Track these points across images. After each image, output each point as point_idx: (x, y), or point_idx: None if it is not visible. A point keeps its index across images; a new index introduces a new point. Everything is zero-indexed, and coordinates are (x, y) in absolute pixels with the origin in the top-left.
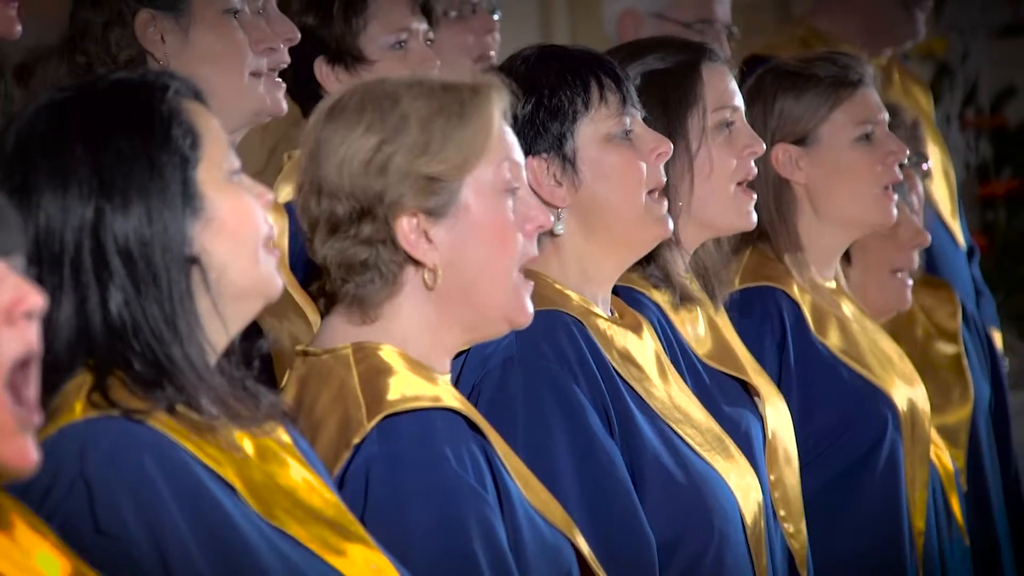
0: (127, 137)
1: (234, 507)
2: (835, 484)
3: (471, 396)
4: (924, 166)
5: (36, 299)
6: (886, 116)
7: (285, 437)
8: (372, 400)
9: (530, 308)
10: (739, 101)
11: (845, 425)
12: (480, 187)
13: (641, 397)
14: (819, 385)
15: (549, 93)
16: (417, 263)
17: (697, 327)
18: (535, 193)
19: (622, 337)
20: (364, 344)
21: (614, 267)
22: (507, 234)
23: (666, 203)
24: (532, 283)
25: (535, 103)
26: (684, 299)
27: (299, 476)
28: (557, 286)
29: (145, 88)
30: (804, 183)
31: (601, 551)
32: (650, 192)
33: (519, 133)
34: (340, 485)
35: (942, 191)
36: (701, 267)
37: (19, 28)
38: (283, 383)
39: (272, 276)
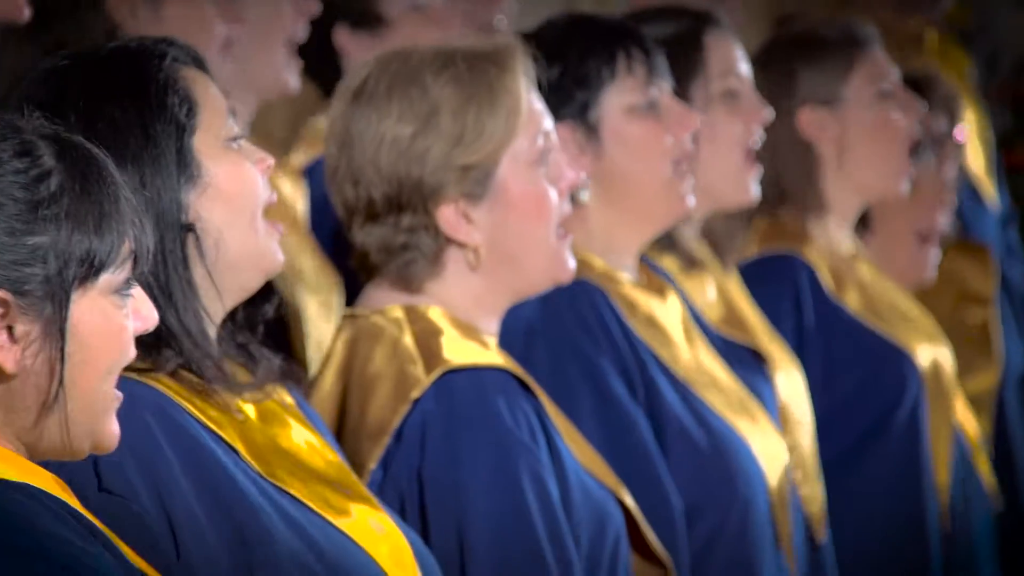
0: (122, 106)
1: (236, 467)
2: (859, 443)
3: None
4: (957, 136)
5: (155, 322)
6: (896, 73)
7: (288, 399)
8: (429, 357)
9: (571, 263)
10: (744, 68)
11: (868, 384)
12: (515, 163)
13: (665, 363)
14: (840, 346)
15: (576, 60)
16: (459, 243)
17: (707, 293)
18: None
19: (646, 302)
20: (415, 306)
21: (636, 238)
22: (544, 203)
23: (690, 180)
24: (571, 236)
25: (561, 69)
26: (691, 264)
27: (301, 438)
28: (581, 253)
29: (142, 56)
30: (832, 143)
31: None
32: (677, 164)
33: (545, 99)
34: (397, 439)
35: (977, 154)
36: (709, 232)
37: (27, 12)
38: (329, 345)
39: (271, 249)
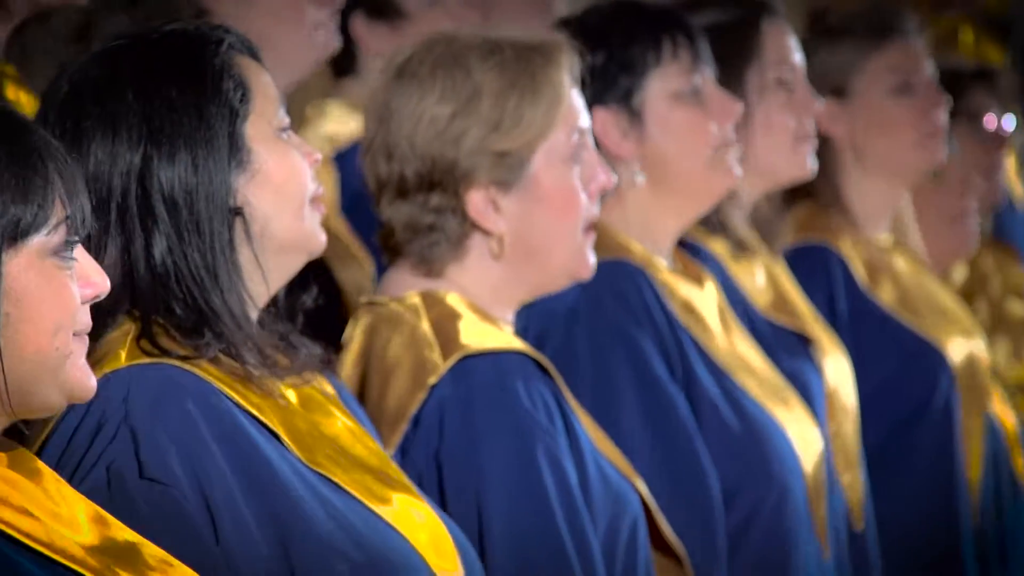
0: (178, 87)
1: (276, 453)
2: (890, 437)
3: (535, 347)
4: (1006, 126)
5: (107, 287)
6: (929, 69)
7: (328, 388)
8: (446, 342)
9: (592, 262)
10: (798, 58)
11: (899, 378)
12: (550, 156)
13: (702, 346)
14: (871, 339)
15: (621, 45)
16: (484, 230)
17: (756, 277)
18: (600, 143)
19: (684, 289)
20: (432, 292)
21: (677, 223)
22: (573, 200)
23: (733, 151)
24: (594, 235)
25: (606, 55)
26: (741, 249)
27: (342, 425)
28: (620, 237)
29: (199, 40)
30: (846, 137)
31: (667, 497)
32: (718, 151)
33: (588, 83)
34: (415, 425)
35: (1009, 153)
36: (757, 219)
37: None
38: (347, 333)
39: (315, 232)
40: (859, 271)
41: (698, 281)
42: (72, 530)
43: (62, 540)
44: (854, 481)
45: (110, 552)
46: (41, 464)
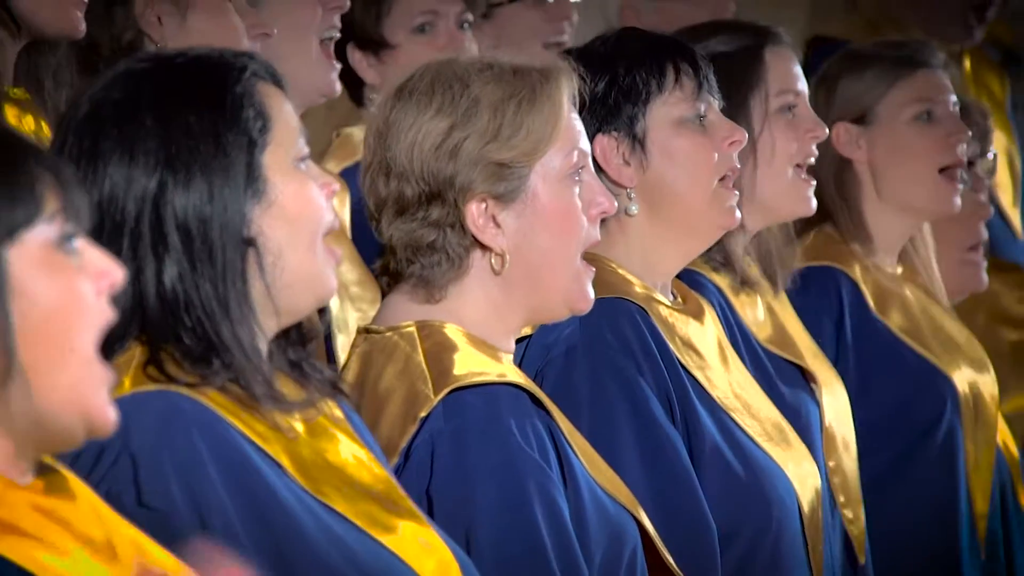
0: (197, 113)
1: (280, 483)
2: (892, 463)
3: (534, 383)
4: (989, 155)
5: (120, 275)
6: (952, 99)
7: (338, 412)
8: (439, 374)
9: (591, 294)
10: (802, 85)
11: (903, 404)
12: (548, 173)
13: (702, 386)
14: (877, 364)
15: (624, 72)
16: (484, 247)
17: (757, 311)
18: (603, 171)
19: (684, 324)
20: (428, 322)
21: (678, 255)
22: (573, 220)
23: (736, 194)
24: (593, 270)
25: (609, 81)
26: (745, 283)
27: (349, 452)
28: (620, 272)
29: (222, 67)
30: (865, 163)
31: (665, 537)
32: (722, 179)
33: (591, 110)
34: (406, 458)
35: (1005, 179)
36: (763, 250)
37: (83, 27)
38: (344, 360)
39: (326, 275)
40: (868, 295)
41: (698, 315)
42: (105, 558)
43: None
44: (856, 516)
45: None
46: (79, 485)
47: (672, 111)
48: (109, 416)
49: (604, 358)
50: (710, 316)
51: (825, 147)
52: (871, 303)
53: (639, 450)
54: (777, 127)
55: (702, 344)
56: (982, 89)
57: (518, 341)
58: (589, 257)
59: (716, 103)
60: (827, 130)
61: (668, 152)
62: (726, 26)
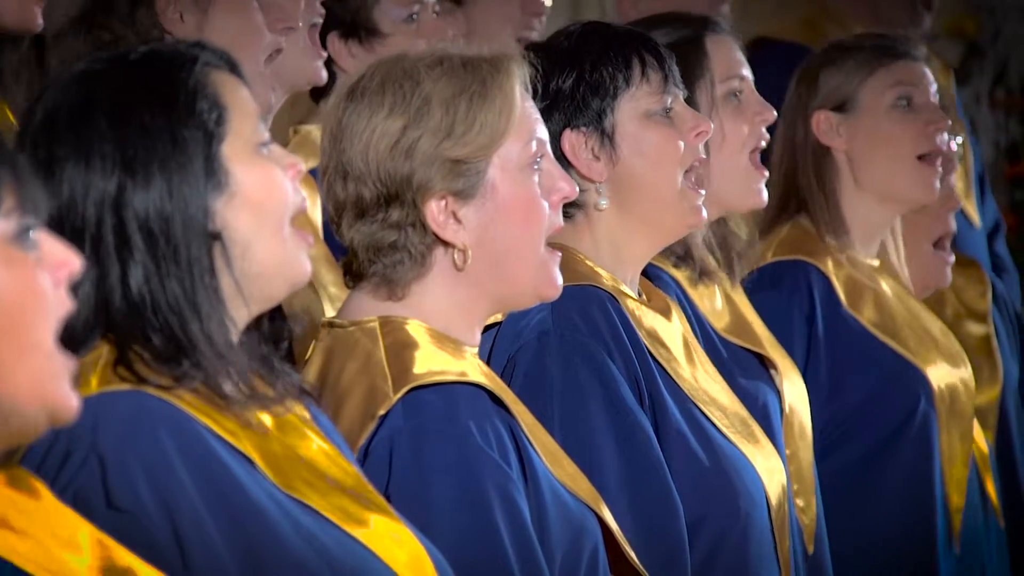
0: (151, 111)
1: (251, 479)
2: (866, 458)
3: (506, 369)
4: (952, 145)
5: (79, 263)
6: (932, 88)
7: (305, 413)
8: (398, 372)
9: (558, 280)
10: (747, 70)
11: (875, 398)
12: (506, 165)
13: (670, 377)
14: (849, 358)
15: (591, 68)
16: (446, 244)
17: (715, 301)
18: (572, 167)
19: (651, 319)
20: (391, 318)
21: (645, 249)
22: (535, 210)
23: (703, 193)
24: (559, 255)
25: (576, 77)
26: (703, 275)
27: (318, 448)
28: (588, 263)
29: (174, 60)
30: (844, 151)
31: (635, 523)
32: (687, 172)
33: (558, 106)
34: (364, 456)
35: (960, 173)
36: (721, 241)
37: (41, 22)
38: (308, 354)
39: (299, 259)
40: (840, 289)
41: (665, 312)
42: (72, 551)
43: (61, 564)
44: (808, 505)
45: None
46: (40, 484)
47: (640, 105)
48: (71, 404)
49: (575, 342)
50: (676, 314)
51: (805, 136)
52: (843, 298)
53: (611, 434)
54: (725, 114)
55: (669, 339)
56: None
57: (488, 328)
58: (557, 247)
59: (681, 94)
60: (775, 113)
61: (637, 146)
62: (665, 19)
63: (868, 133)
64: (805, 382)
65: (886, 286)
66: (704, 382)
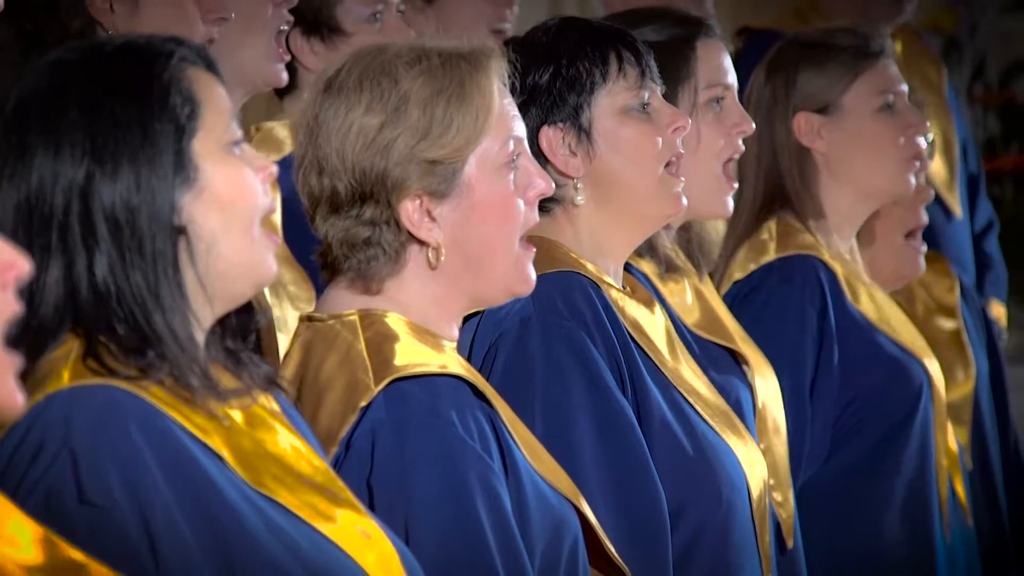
0: (123, 103)
1: (221, 476)
2: (871, 452)
3: (488, 356)
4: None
5: (26, 265)
6: (906, 88)
7: (274, 405)
8: (380, 364)
9: (532, 277)
10: (732, 79)
11: (885, 389)
12: (483, 164)
13: (654, 364)
14: (859, 352)
15: (567, 63)
16: (421, 242)
17: (684, 296)
18: (549, 163)
19: (634, 309)
20: (371, 311)
21: (626, 241)
22: (509, 209)
23: (682, 180)
24: (533, 250)
25: (553, 72)
26: (669, 269)
27: (288, 443)
28: (572, 254)
29: (150, 54)
30: (825, 152)
31: (617, 507)
32: (667, 166)
33: (536, 102)
34: (346, 448)
35: (939, 163)
36: (686, 239)
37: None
38: (287, 349)
39: (264, 260)
40: (843, 283)
41: (648, 304)
42: (14, 549)
43: (3, 561)
44: (785, 499)
45: (55, 571)
46: None
47: (616, 100)
48: (16, 401)
49: (557, 328)
50: (659, 308)
51: (785, 137)
52: (847, 291)
53: (593, 417)
54: (704, 120)
55: (652, 331)
56: (915, 73)
57: (471, 315)
58: (537, 240)
59: (659, 89)
60: (753, 124)
61: (614, 142)
62: (658, 15)
63: (852, 137)
64: (817, 376)
65: (865, 280)
66: (687, 375)
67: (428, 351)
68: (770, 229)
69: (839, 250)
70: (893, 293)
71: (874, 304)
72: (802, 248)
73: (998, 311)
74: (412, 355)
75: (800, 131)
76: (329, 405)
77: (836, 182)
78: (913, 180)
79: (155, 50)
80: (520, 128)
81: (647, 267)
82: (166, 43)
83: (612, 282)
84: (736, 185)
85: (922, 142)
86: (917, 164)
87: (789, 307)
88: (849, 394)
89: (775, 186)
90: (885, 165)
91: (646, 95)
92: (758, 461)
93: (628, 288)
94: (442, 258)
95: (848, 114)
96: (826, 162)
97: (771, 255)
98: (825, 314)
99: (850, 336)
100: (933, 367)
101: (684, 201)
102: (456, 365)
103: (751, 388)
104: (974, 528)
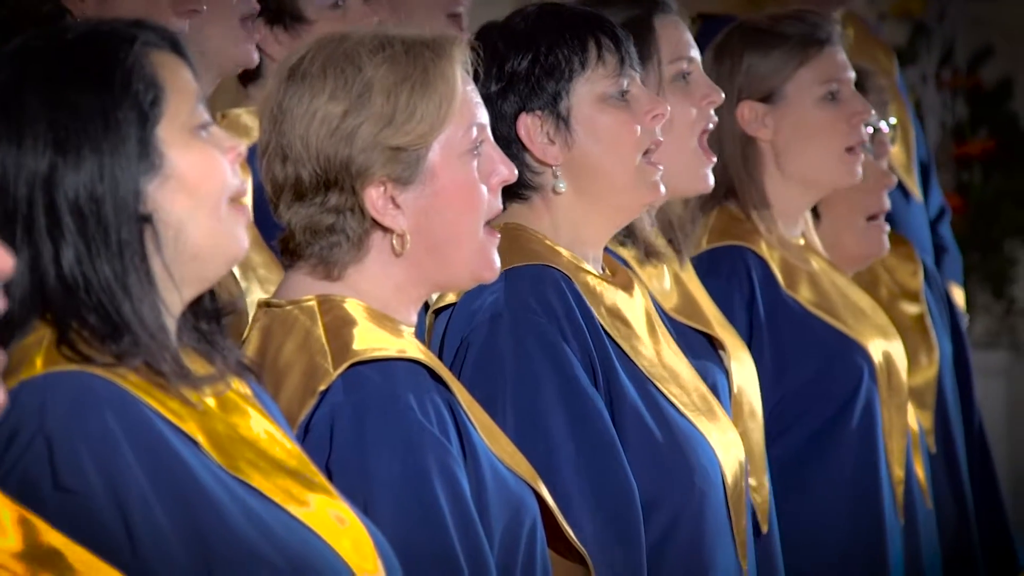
0: (85, 91)
1: (196, 461)
2: (812, 438)
3: (459, 351)
4: (884, 127)
5: (10, 263)
6: (852, 76)
7: (246, 389)
8: (338, 349)
9: (496, 263)
10: (695, 52)
11: (821, 378)
12: (446, 151)
13: (627, 355)
14: (792, 340)
15: (546, 50)
16: (385, 228)
17: (663, 281)
18: (527, 150)
19: (612, 294)
20: (330, 296)
21: (605, 227)
22: (473, 195)
23: (661, 168)
24: (498, 236)
25: (531, 59)
26: (650, 254)
27: (261, 427)
28: (547, 242)
29: (112, 39)
30: (769, 140)
31: (590, 504)
32: (646, 153)
33: (514, 89)
34: (305, 432)
35: (896, 148)
36: (666, 222)
37: None
38: (245, 334)
39: (235, 235)
40: (777, 271)
41: (627, 287)
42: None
43: None
44: (760, 485)
45: (35, 556)
46: None
47: (595, 88)
48: None
49: (529, 324)
50: (639, 289)
51: (730, 125)
52: (780, 280)
53: (564, 415)
54: (673, 96)
55: (630, 314)
56: (865, 58)
57: (442, 309)
58: (513, 227)
59: (639, 76)
60: (723, 94)
61: (593, 130)
62: None
63: (795, 125)
64: None
65: (815, 264)
66: (667, 357)
67: (386, 336)
68: (706, 221)
69: (784, 237)
70: (858, 277)
71: (816, 290)
72: (734, 239)
73: (957, 294)
74: (370, 340)
75: (744, 119)
76: (288, 390)
77: (780, 171)
78: (859, 170)
79: (118, 36)
80: (483, 115)
81: (627, 252)
82: (130, 28)
83: (590, 268)
84: (715, 158)
85: (869, 130)
86: (860, 151)
87: (716, 299)
88: (784, 384)
89: (720, 174)
90: (826, 155)
91: (625, 83)
92: (734, 443)
93: (608, 271)
94: (407, 245)
95: (791, 102)
96: (770, 151)
97: (701, 247)
98: (753, 305)
99: (783, 326)
100: (884, 350)
101: (662, 189)
102: (414, 349)
103: (727, 373)
104: (934, 510)
